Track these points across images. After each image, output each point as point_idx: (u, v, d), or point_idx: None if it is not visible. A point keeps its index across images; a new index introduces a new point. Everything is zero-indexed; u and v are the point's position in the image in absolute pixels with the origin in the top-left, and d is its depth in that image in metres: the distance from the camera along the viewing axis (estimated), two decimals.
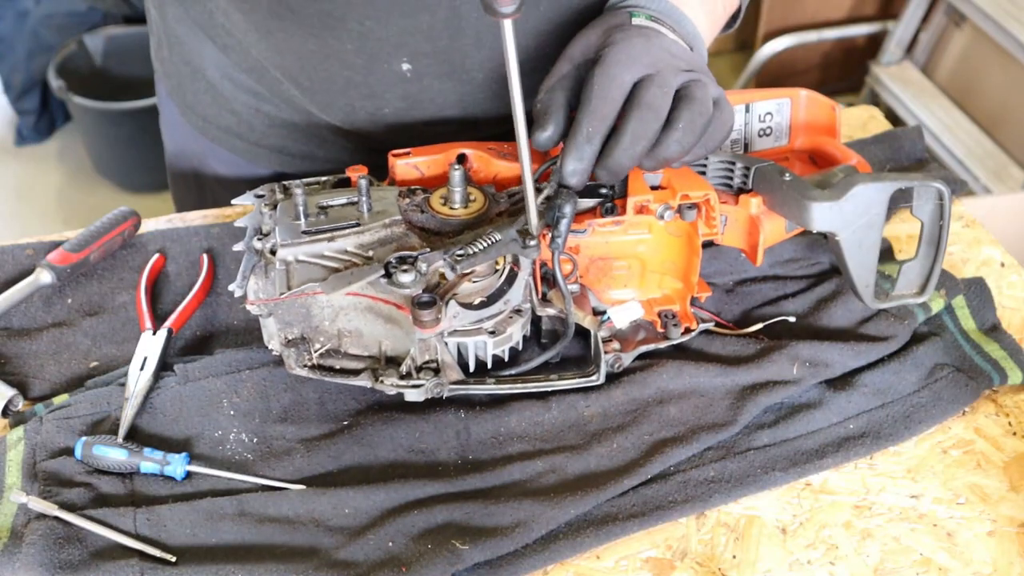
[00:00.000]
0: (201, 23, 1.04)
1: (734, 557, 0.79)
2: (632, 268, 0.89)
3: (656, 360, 0.90)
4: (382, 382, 0.82)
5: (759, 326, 0.94)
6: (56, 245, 0.96)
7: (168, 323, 0.90)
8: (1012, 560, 0.80)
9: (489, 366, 0.86)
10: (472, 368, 0.86)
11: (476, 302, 0.82)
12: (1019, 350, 0.93)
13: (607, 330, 0.89)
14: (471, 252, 0.79)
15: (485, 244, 0.80)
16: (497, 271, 0.84)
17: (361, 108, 0.99)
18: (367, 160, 0.95)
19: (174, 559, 0.75)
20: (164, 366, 0.87)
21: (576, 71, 0.84)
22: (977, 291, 0.97)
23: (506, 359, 0.88)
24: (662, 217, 0.85)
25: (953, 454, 0.87)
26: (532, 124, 0.81)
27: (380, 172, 0.94)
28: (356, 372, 0.83)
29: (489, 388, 0.85)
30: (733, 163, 0.90)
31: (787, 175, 0.85)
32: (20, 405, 0.85)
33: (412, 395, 0.82)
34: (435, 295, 0.78)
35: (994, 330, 0.95)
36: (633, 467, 0.82)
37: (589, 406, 0.87)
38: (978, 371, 0.91)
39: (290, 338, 0.83)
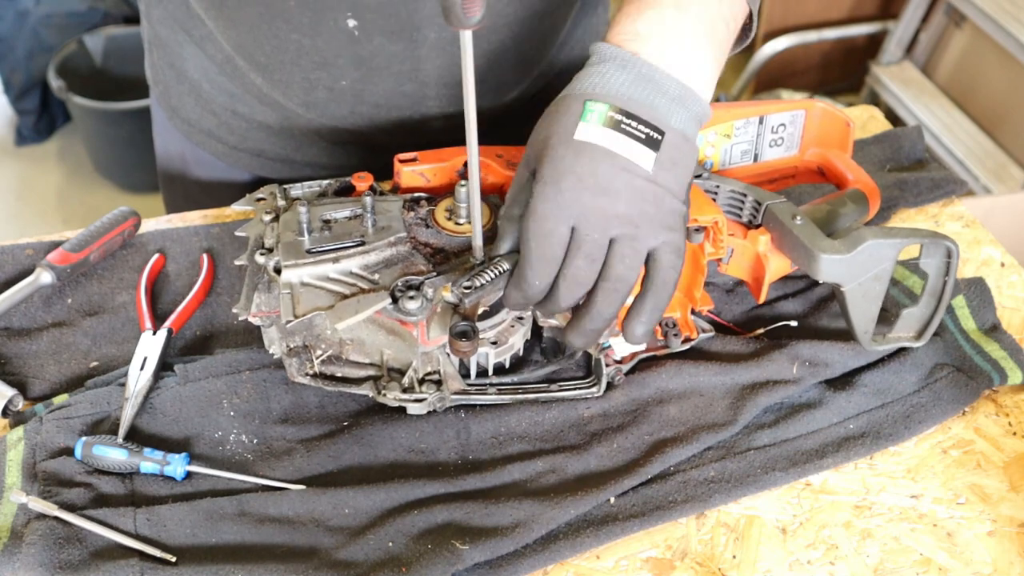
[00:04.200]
0: (179, 18, 1.04)
1: (734, 557, 0.79)
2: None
3: (656, 360, 0.90)
4: (385, 395, 0.82)
5: (761, 331, 0.94)
6: (56, 245, 0.96)
7: (168, 323, 0.90)
8: (1012, 560, 0.80)
9: (490, 372, 0.87)
10: (473, 376, 0.87)
11: (479, 312, 0.82)
12: (1019, 350, 0.93)
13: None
14: (478, 284, 0.78)
15: (492, 275, 0.79)
16: None
17: (318, 82, 0.98)
18: (345, 163, 0.95)
19: (174, 559, 0.75)
20: (164, 366, 0.87)
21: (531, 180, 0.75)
22: (977, 291, 0.97)
23: (507, 365, 0.88)
24: None
25: (953, 454, 0.87)
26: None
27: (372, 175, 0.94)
28: (358, 381, 0.83)
29: (490, 398, 0.86)
30: (745, 195, 0.88)
31: (798, 218, 0.84)
32: (20, 405, 0.85)
33: (415, 408, 0.83)
34: (471, 324, 0.78)
35: (994, 330, 0.95)
36: (633, 467, 0.82)
37: (589, 406, 0.87)
38: (978, 371, 0.91)
39: (292, 346, 0.83)
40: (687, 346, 0.90)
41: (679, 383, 0.88)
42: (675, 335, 0.89)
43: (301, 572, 0.75)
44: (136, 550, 0.75)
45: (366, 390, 0.83)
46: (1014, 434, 0.89)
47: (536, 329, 0.89)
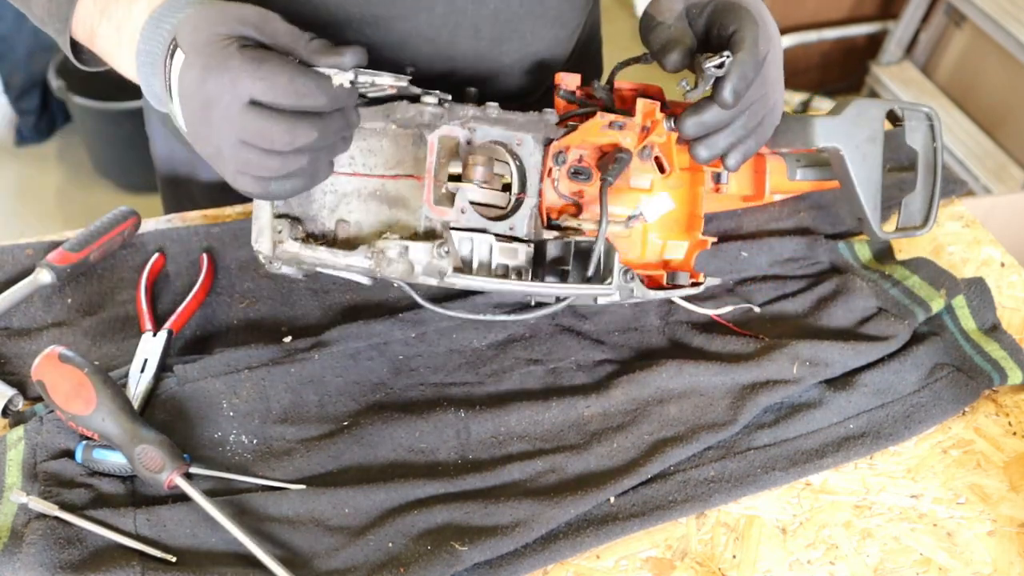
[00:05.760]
0: None
1: (734, 557, 0.79)
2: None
3: (656, 359, 0.90)
4: (383, 251, 0.78)
5: (726, 309, 0.94)
6: (56, 245, 0.96)
7: (168, 324, 0.90)
8: (1012, 560, 0.80)
9: (493, 265, 0.82)
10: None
11: (484, 202, 0.81)
12: (1019, 350, 0.93)
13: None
14: (724, 59, 0.76)
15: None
16: (506, 187, 0.82)
17: None
18: None
19: (174, 559, 0.75)
20: (164, 367, 0.87)
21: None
22: (977, 291, 0.97)
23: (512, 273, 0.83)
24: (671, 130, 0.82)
25: (953, 454, 0.87)
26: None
27: None
28: (352, 246, 0.80)
29: (495, 283, 0.80)
30: None
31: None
32: (20, 405, 0.85)
33: (416, 275, 0.78)
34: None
35: (994, 330, 0.95)
36: (633, 467, 0.82)
37: (589, 406, 0.87)
38: (978, 371, 0.91)
39: (284, 213, 0.81)
40: (697, 290, 0.88)
41: (679, 382, 0.88)
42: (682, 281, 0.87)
43: (301, 573, 0.75)
44: (136, 550, 0.75)
45: (362, 259, 0.79)
46: (1014, 434, 0.89)
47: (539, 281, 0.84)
